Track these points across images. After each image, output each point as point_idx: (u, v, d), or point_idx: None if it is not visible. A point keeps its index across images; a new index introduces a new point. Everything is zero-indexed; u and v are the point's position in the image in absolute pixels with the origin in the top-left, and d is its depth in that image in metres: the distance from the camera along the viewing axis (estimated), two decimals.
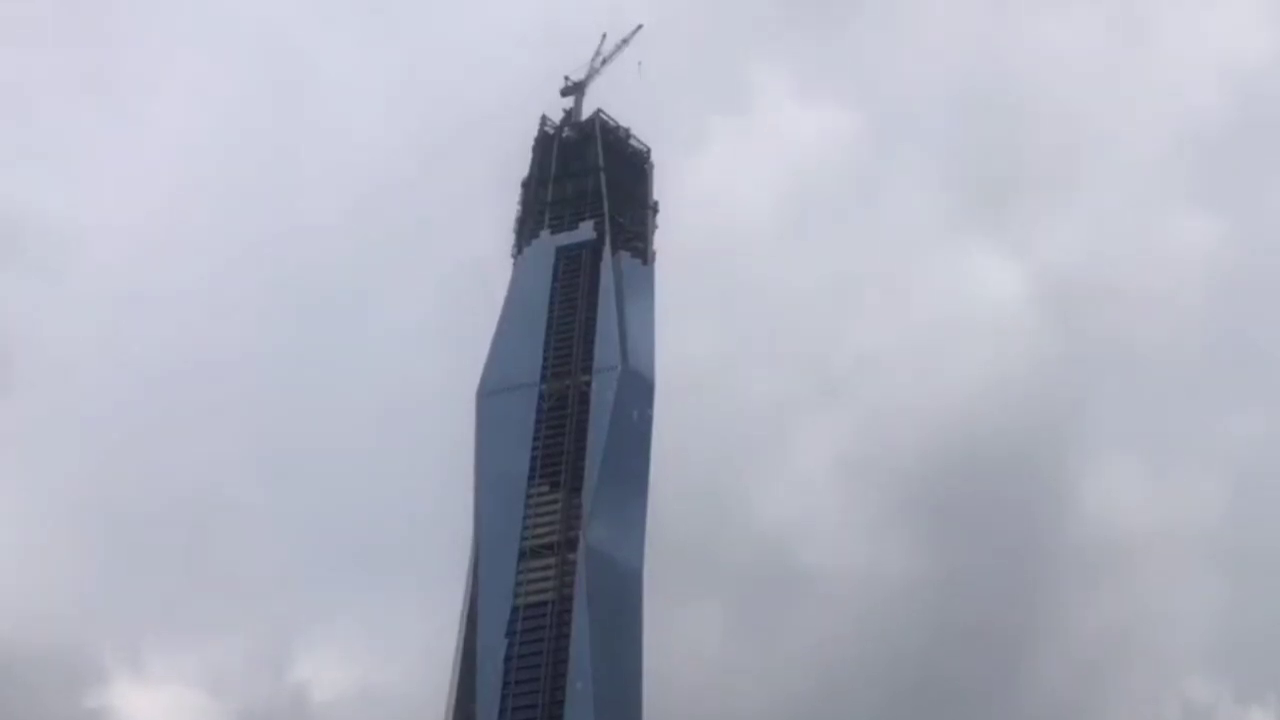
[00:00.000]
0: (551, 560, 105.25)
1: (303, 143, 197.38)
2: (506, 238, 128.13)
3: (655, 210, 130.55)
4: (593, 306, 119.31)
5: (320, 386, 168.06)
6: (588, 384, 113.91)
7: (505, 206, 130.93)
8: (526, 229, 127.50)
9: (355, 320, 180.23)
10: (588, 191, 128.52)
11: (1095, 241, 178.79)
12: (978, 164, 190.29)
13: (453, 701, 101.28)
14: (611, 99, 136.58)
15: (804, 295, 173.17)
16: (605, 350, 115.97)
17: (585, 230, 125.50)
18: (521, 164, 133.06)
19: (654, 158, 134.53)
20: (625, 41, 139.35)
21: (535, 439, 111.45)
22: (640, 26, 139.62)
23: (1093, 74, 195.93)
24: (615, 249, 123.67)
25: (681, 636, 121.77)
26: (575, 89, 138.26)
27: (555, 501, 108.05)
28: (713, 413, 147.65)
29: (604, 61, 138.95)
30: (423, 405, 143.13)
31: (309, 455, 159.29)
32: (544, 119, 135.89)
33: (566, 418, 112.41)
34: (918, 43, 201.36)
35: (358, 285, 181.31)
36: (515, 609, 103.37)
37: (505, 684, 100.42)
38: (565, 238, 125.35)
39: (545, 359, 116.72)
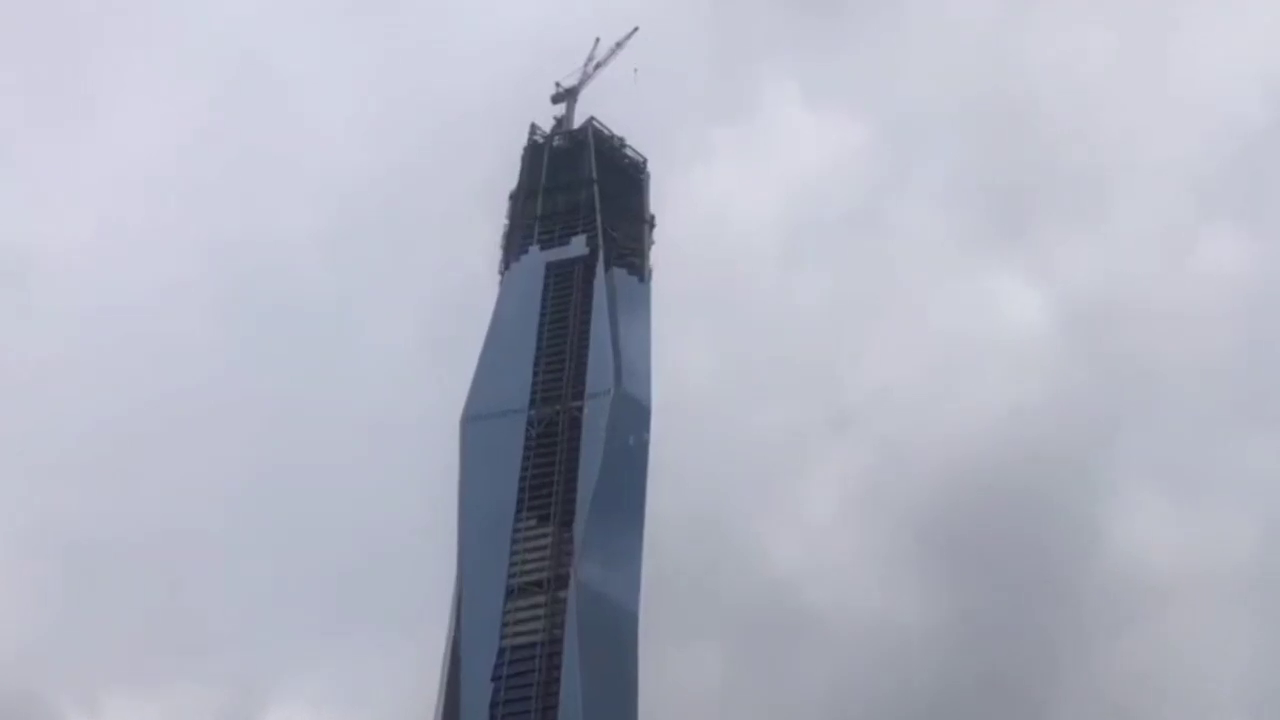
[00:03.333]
0: (540, 599, 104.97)
1: (276, 153, 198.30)
2: (493, 253, 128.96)
3: (652, 224, 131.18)
4: (585, 326, 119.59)
5: (293, 413, 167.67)
6: (579, 409, 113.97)
7: (492, 220, 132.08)
8: (514, 244, 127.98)
9: (331, 342, 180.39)
10: (580, 204, 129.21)
11: (1121, 261, 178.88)
12: (996, 178, 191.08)
13: None
14: (605, 106, 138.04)
15: (811, 317, 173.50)
16: (598, 373, 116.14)
17: (577, 245, 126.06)
18: (509, 175, 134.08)
19: (650, 168, 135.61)
20: (620, 45, 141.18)
21: (523, 468, 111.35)
22: (636, 29, 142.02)
23: (1117, 84, 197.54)
24: (609, 265, 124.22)
25: (679, 681, 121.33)
26: (567, 95, 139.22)
27: (544, 536, 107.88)
28: (714, 441, 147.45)
29: (597, 66, 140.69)
30: (403, 432, 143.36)
31: (281, 487, 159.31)
32: (533, 127, 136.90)
33: (556, 446, 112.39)
34: (931, 49, 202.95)
35: (334, 304, 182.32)
36: (502, 651, 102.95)
37: None
38: (556, 253, 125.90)
39: (534, 382, 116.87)
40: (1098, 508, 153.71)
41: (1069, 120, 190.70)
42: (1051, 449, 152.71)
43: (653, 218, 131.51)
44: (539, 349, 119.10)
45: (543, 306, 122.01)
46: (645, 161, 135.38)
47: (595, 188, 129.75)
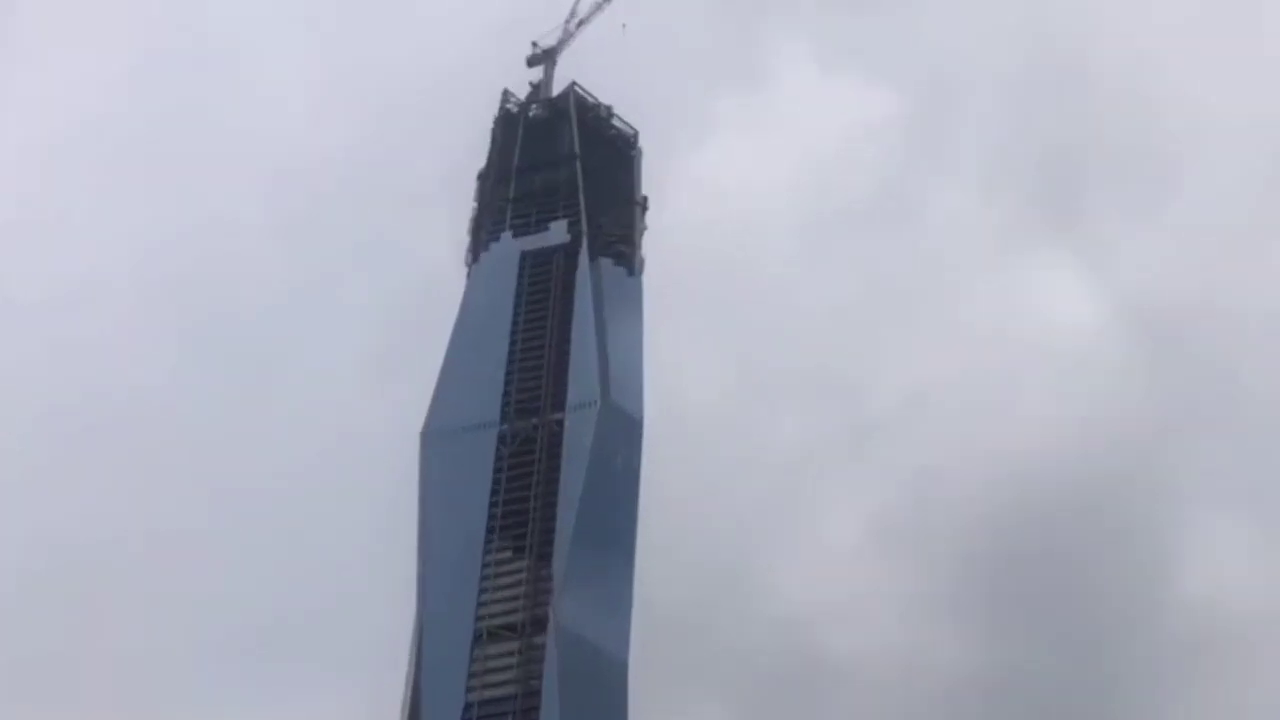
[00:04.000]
0: (514, 645, 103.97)
1: (208, 128, 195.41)
2: (459, 242, 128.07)
3: (644, 208, 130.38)
4: (566, 327, 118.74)
5: (225, 427, 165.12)
6: (560, 424, 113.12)
7: (457, 203, 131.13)
8: (484, 230, 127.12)
9: (270, 346, 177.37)
10: (560, 184, 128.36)
11: (1191, 251, 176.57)
12: (1044, 155, 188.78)
13: None
14: (589, 70, 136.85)
15: (830, 316, 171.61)
16: (581, 382, 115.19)
17: (557, 232, 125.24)
18: (477, 151, 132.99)
19: (642, 143, 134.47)
20: None
21: (494, 492, 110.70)
22: None
23: (1190, 44, 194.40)
24: (594, 255, 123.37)
25: None
26: (544, 57, 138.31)
27: (519, 571, 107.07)
28: (717, 461, 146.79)
29: (580, 23, 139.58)
30: (353, 450, 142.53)
31: (210, 512, 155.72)
32: (505, 95, 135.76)
33: (533, 466, 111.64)
34: (969, 5, 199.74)
35: (275, 302, 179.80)
36: (469, 706, 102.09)
37: None
38: (532, 241, 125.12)
39: (506, 392, 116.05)
40: (1167, 538, 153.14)
41: (1130, 87, 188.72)
42: (1112, 469, 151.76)
43: (645, 200, 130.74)
44: (512, 353, 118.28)
45: (517, 303, 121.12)
46: (636, 135, 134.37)
47: (578, 165, 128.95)
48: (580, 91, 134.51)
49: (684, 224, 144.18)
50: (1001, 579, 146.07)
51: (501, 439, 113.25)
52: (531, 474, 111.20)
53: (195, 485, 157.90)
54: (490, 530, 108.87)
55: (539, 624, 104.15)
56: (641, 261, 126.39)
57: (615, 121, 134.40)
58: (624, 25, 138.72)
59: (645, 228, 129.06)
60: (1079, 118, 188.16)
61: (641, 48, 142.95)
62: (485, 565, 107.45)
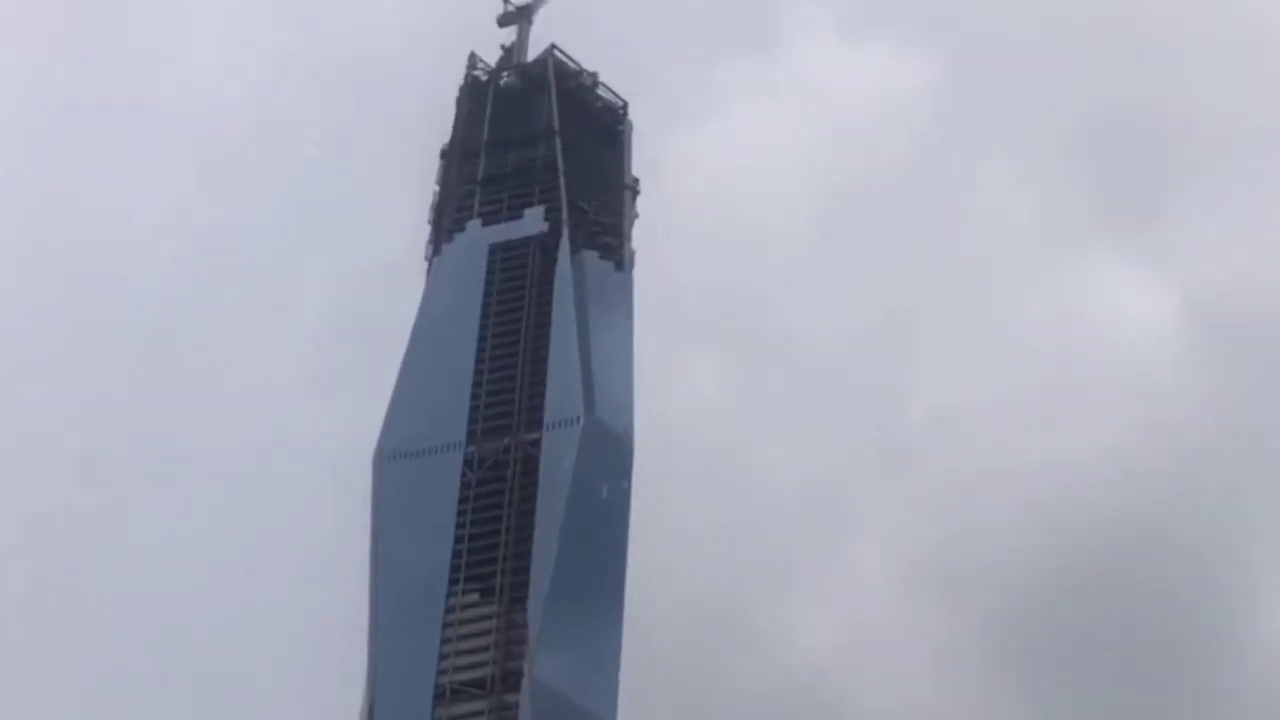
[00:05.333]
0: (482, 705, 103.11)
1: (122, 93, 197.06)
2: (418, 232, 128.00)
3: (635, 192, 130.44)
4: (543, 331, 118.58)
5: (147, 453, 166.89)
6: (536, 445, 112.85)
7: (417, 187, 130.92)
8: (447, 219, 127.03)
9: (200, 358, 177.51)
10: (536, 164, 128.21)
11: (1272, 250, 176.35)
12: (1106, 133, 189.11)
13: None
14: (572, 30, 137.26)
15: (853, 320, 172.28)
16: (561, 395, 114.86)
17: (532, 220, 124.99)
18: (440, 125, 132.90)
19: (633, 116, 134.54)
20: None
21: (459, 525, 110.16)
22: None
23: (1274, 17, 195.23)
24: (576, 247, 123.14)
25: None
26: (518, 15, 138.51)
27: (488, 618, 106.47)
28: (720, 489, 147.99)
29: None
30: (295, 477, 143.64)
31: (129, 547, 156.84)
32: (473, 59, 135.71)
33: (505, 494, 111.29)
34: None
35: (195, 304, 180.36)
36: None
37: None
38: (504, 231, 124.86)
39: (474, 408, 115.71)
40: (1247, 572, 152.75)
41: (1209, 54, 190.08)
42: (1181, 494, 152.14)
43: (636, 183, 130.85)
44: (480, 362, 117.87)
45: (485, 304, 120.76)
46: (625, 106, 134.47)
47: (557, 141, 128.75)
48: (560, 56, 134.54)
49: (682, 211, 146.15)
50: (1051, 623, 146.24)
51: (468, 463, 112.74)
52: (503, 504, 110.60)
53: (115, 518, 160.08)
54: (455, 570, 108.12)
55: (512, 679, 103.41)
56: (632, 255, 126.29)
57: (601, 91, 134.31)
58: None
59: (636, 215, 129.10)
60: (1149, 88, 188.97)
61: (632, 5, 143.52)
62: (449, 611, 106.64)
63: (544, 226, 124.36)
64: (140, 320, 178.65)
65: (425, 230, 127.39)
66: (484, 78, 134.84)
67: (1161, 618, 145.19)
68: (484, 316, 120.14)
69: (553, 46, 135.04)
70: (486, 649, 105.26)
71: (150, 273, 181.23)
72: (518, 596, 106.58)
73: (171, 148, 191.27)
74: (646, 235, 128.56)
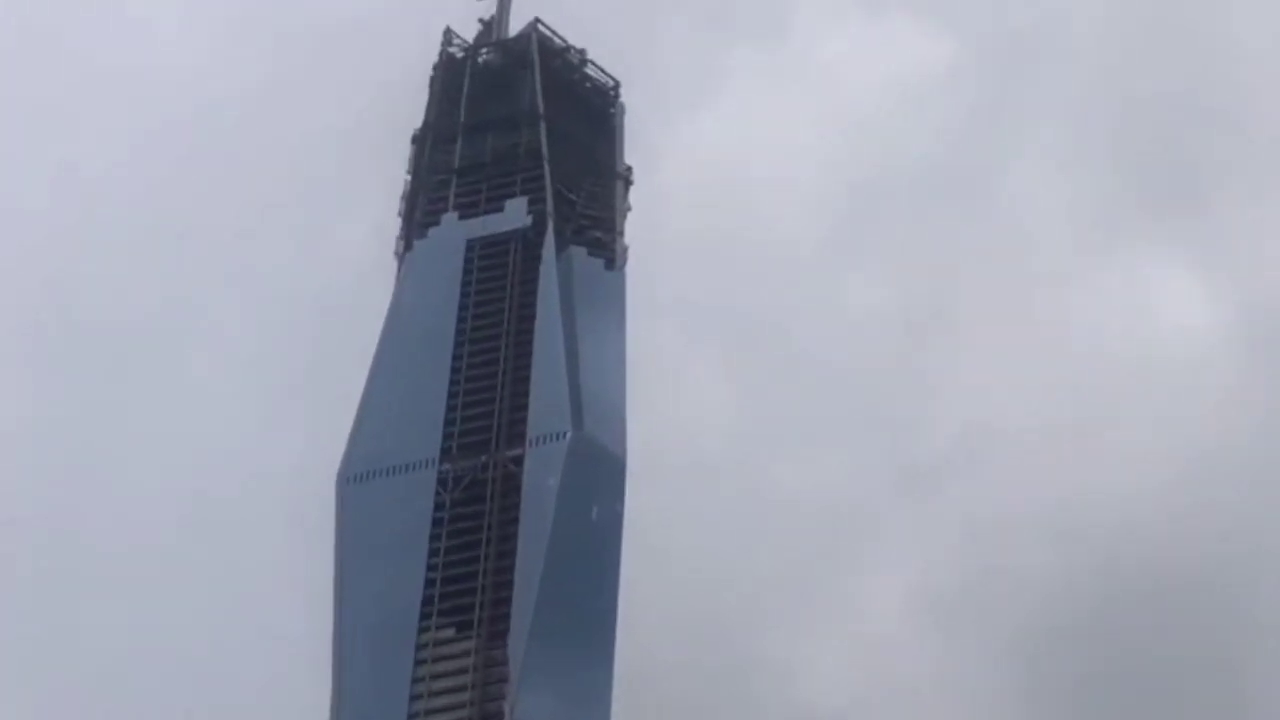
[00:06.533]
0: None
1: (65, 78, 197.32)
2: (387, 225, 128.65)
3: (628, 182, 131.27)
4: (526, 336, 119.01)
5: (85, 473, 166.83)
6: (518, 462, 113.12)
7: (386, 176, 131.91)
8: (420, 211, 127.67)
9: (145, 369, 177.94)
10: (518, 151, 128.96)
11: None
12: (1150, 121, 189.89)
13: None
14: (557, 2, 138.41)
15: (872, 325, 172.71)
16: (546, 408, 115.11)
17: (514, 213, 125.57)
18: (412, 107, 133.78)
19: (625, 98, 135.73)
20: None
21: (432, 553, 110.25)
22: None
23: None
24: (563, 243, 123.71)
25: None
26: None
27: (465, 654, 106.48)
28: (722, 513, 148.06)
29: None
30: (251, 499, 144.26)
31: (70, 578, 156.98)
32: (448, 34, 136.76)
33: (483, 518, 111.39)
34: None
35: (144, 305, 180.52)
36: None
37: None
38: (483, 225, 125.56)
39: (449, 422, 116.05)
40: None
41: (1259, 38, 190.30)
42: (1237, 520, 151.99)
43: (629, 172, 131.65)
44: (456, 371, 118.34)
45: (462, 305, 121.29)
46: (618, 87, 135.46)
47: (541, 126, 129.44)
48: (545, 31, 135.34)
49: (680, 203, 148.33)
50: (1086, 667, 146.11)
51: (442, 483, 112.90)
52: (481, 528, 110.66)
53: (53, 550, 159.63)
54: (427, 602, 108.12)
55: None
56: (624, 251, 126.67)
57: (590, 70, 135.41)
58: None
59: (629, 208, 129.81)
60: (1199, 72, 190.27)
61: None
62: (421, 647, 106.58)
63: (527, 220, 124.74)
64: (87, 322, 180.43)
65: (395, 224, 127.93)
66: (460, 55, 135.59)
67: (1213, 656, 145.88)
68: (460, 320, 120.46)
69: (536, 21, 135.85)
70: (463, 689, 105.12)
71: (99, 271, 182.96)
72: (498, 631, 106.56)
73: (122, 122, 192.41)
74: (641, 230, 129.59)
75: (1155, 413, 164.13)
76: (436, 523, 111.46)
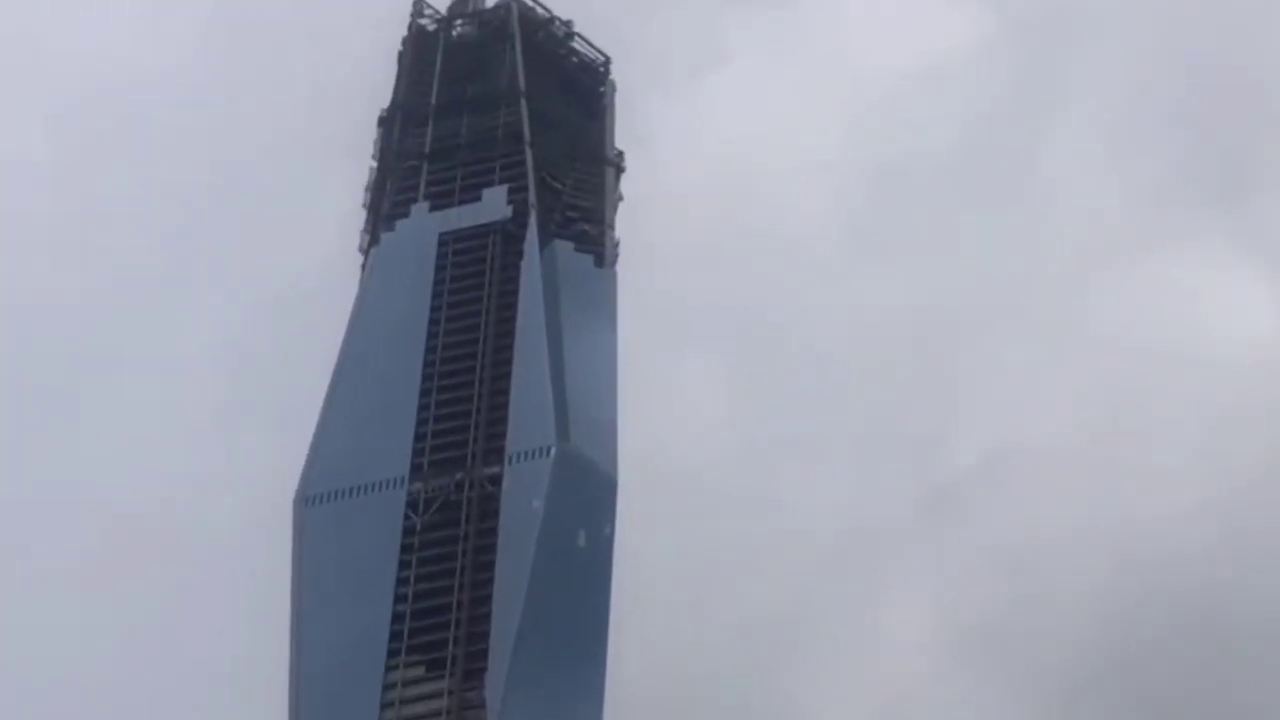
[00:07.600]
0: None
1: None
2: (351, 218, 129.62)
3: (619, 169, 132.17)
4: (506, 340, 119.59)
5: (17, 501, 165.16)
6: (496, 481, 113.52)
7: (350, 164, 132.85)
8: (388, 201, 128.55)
9: (77, 377, 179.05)
10: (497, 133, 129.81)
11: None
12: (1201, 103, 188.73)
13: None
14: None
15: (887, 334, 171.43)
16: (528, 420, 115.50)
17: (493, 203, 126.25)
18: (379, 85, 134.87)
19: (616, 75, 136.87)
20: None
21: (401, 582, 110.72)
22: None
23: None
24: (548, 236, 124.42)
25: None
26: None
27: (437, 695, 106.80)
28: (723, 536, 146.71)
29: None
30: (198, 523, 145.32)
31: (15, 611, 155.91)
32: (419, 4, 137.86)
33: (458, 543, 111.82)
34: None
35: (80, 310, 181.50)
36: None
37: None
38: (457, 216, 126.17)
39: (419, 437, 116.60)
40: None
41: None
42: None
43: (620, 157, 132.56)
44: (427, 380, 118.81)
45: (435, 307, 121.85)
46: (607, 64, 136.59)
47: (523, 105, 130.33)
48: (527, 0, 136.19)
49: (677, 193, 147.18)
50: (1131, 704, 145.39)
51: (411, 504, 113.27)
52: (455, 554, 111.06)
53: None
54: (395, 637, 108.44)
55: None
56: (615, 246, 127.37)
57: (578, 44, 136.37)
58: None
59: (620, 198, 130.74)
60: (1255, 47, 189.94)
61: None
62: (388, 687, 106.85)
63: (507, 211, 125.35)
64: (17, 330, 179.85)
65: (360, 216, 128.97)
66: (432, 26, 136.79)
67: (1267, 708, 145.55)
68: (432, 322, 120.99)
69: None
70: None
71: (28, 272, 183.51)
72: (473, 670, 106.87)
73: (71, 109, 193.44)
74: (633, 223, 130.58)
75: (1204, 425, 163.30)
76: (405, 549, 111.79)
